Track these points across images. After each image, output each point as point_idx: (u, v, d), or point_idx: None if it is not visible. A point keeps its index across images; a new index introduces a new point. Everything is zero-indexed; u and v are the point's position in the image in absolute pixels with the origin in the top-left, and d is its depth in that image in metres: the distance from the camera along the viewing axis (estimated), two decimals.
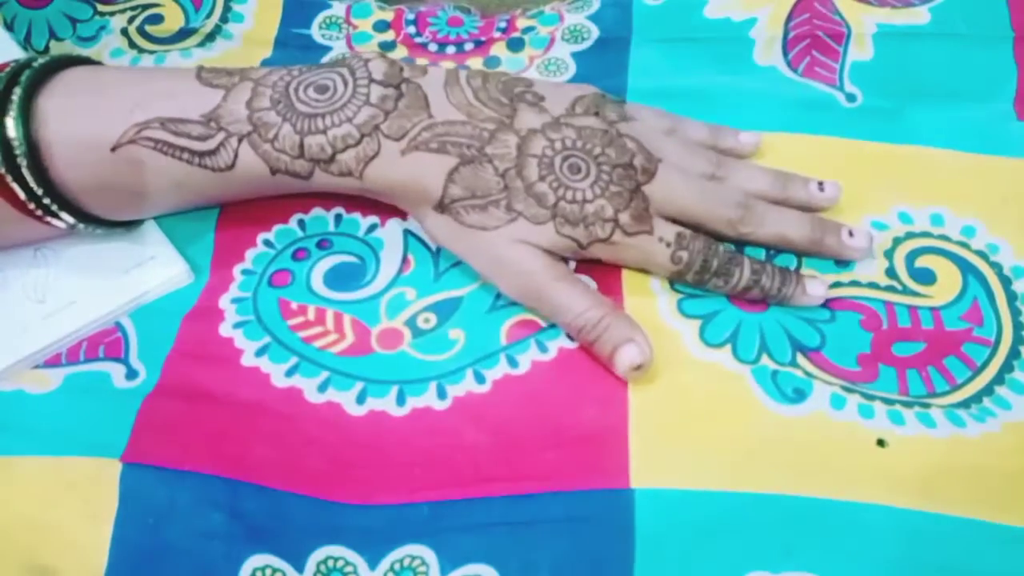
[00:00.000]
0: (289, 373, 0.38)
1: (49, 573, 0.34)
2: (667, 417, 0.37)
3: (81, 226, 0.39)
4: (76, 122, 0.37)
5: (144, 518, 0.35)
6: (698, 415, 0.37)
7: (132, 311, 0.41)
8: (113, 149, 0.37)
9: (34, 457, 0.36)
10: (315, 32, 0.50)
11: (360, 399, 0.38)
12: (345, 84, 0.38)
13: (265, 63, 0.48)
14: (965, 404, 0.37)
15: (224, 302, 0.41)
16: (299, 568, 0.34)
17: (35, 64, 0.38)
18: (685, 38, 0.48)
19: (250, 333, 0.39)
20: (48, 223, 0.38)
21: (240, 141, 0.37)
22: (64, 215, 0.38)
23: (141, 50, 0.49)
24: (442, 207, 0.38)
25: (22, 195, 0.37)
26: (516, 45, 0.48)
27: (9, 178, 0.36)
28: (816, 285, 0.39)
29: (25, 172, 0.36)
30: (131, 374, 0.39)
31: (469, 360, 0.38)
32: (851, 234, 0.40)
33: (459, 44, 0.49)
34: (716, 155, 0.42)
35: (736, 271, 0.39)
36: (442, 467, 0.36)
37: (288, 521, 0.35)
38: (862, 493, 0.35)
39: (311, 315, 0.40)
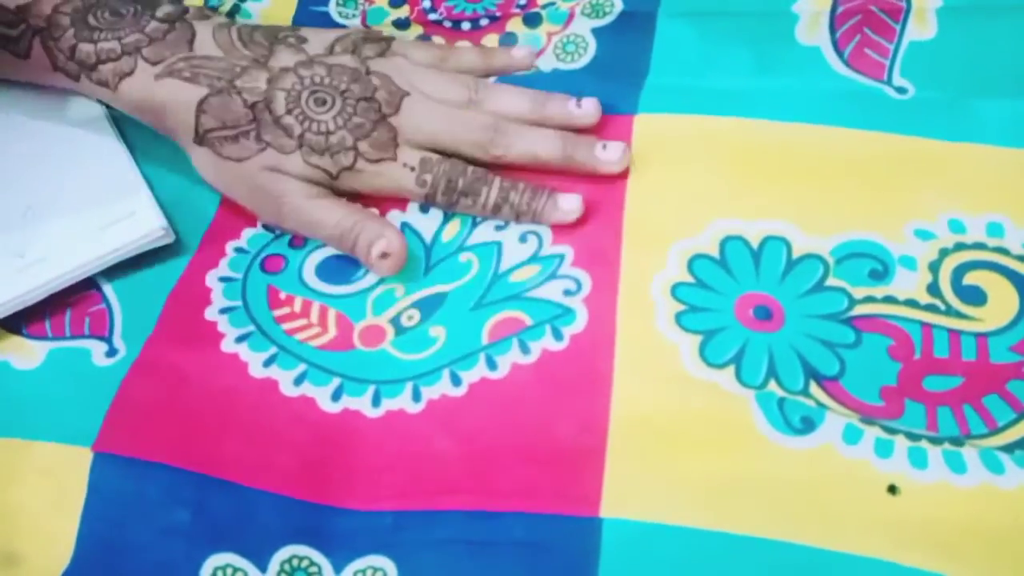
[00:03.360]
0: (267, 363, 0.37)
1: (15, 559, 0.34)
2: (651, 439, 0.34)
3: None
4: None
5: (110, 511, 0.35)
6: (687, 440, 0.33)
7: (115, 278, 0.40)
8: None
9: (10, 440, 0.36)
10: (332, 10, 0.48)
11: (335, 396, 0.37)
12: (134, 15, 0.42)
13: None
14: (1007, 449, 0.32)
15: (211, 279, 0.40)
16: (262, 567, 0.33)
17: None
18: (719, 12, 0.43)
19: (235, 320, 0.39)
20: None
21: (35, 35, 0.42)
22: None
23: None
24: (200, 138, 0.40)
25: None
26: (533, 21, 0.45)
27: None
28: (569, 199, 0.39)
29: None
30: (111, 352, 0.39)
31: (447, 359, 0.37)
32: (604, 147, 0.40)
33: (474, 20, 0.46)
34: (476, 81, 0.42)
35: (484, 189, 0.39)
36: (409, 474, 0.35)
37: (254, 519, 0.34)
38: (865, 545, 0.31)
39: (297, 307, 0.39)
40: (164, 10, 0.42)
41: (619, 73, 0.42)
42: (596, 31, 0.44)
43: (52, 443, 0.36)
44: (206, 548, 0.34)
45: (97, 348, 0.39)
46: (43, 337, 0.39)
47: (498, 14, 0.46)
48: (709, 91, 0.40)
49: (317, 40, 0.42)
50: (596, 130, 0.41)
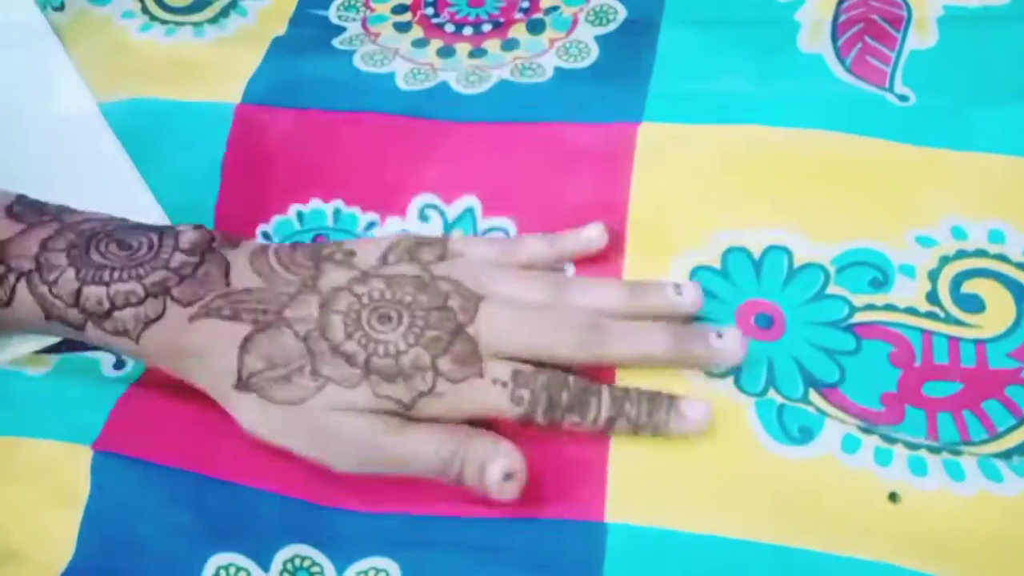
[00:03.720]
0: None
1: (15, 557, 0.34)
2: (653, 446, 0.34)
3: None
4: None
5: (112, 509, 0.35)
6: (687, 448, 0.34)
7: None
8: None
9: (15, 438, 0.36)
10: (332, 14, 0.48)
11: None
12: (150, 247, 0.36)
13: (277, 40, 0.46)
14: (1006, 455, 0.33)
15: None
16: (264, 566, 0.33)
17: None
18: (722, 20, 0.43)
19: None
20: None
21: (19, 279, 0.35)
22: None
23: (153, 17, 0.48)
24: (243, 383, 0.34)
25: None
26: (536, 27, 0.45)
27: None
28: (694, 407, 0.34)
29: None
30: (119, 364, 0.39)
31: None
32: (720, 336, 0.35)
33: (476, 25, 0.46)
34: (556, 277, 0.37)
35: (593, 401, 0.34)
36: (412, 482, 0.34)
37: (256, 518, 0.34)
38: (866, 551, 0.31)
39: None
40: (188, 238, 0.36)
41: (621, 79, 0.42)
42: (599, 38, 0.44)
43: (54, 441, 0.36)
44: (209, 547, 0.34)
45: (106, 359, 0.39)
46: (58, 351, 0.39)
47: (501, 19, 0.45)
48: (712, 98, 0.40)
49: (366, 251, 0.37)
50: (598, 140, 0.40)
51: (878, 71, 0.41)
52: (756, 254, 0.37)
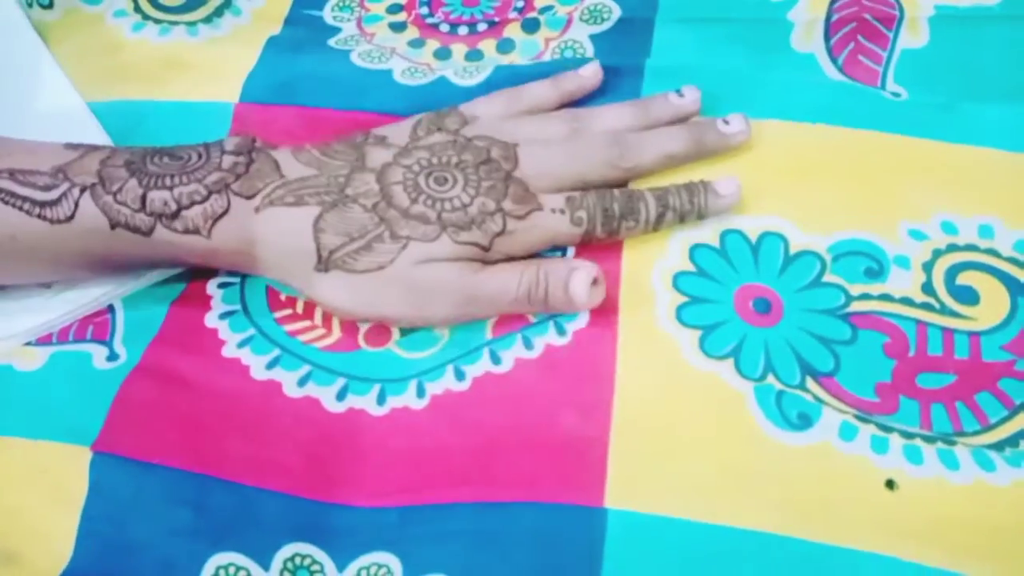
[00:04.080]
0: (270, 366, 0.37)
1: (13, 558, 0.34)
2: (653, 432, 0.34)
3: None
4: None
5: (111, 510, 0.34)
6: (687, 434, 0.34)
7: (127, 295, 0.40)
8: None
9: (10, 438, 0.36)
10: (327, 14, 0.48)
11: (340, 396, 0.37)
12: (199, 156, 0.38)
13: (273, 39, 0.46)
14: (998, 446, 0.33)
15: (212, 287, 0.40)
16: (265, 565, 0.33)
17: None
18: (716, 18, 0.44)
19: (235, 325, 0.39)
20: None
21: (83, 192, 0.36)
22: None
23: (146, 16, 0.48)
24: (324, 262, 0.36)
25: None
26: (531, 26, 0.45)
27: None
28: (725, 183, 0.38)
29: None
30: (112, 356, 0.38)
31: (452, 355, 0.37)
32: (727, 122, 0.40)
33: (472, 25, 0.46)
34: (570, 112, 0.41)
35: (640, 205, 0.38)
36: (414, 470, 0.35)
37: (256, 518, 0.34)
38: (864, 540, 0.31)
39: (299, 308, 0.39)
40: (233, 142, 0.38)
41: (616, 76, 0.43)
42: (594, 36, 0.44)
43: (51, 442, 0.35)
44: (208, 547, 0.33)
45: (98, 352, 0.38)
46: (48, 343, 0.39)
47: (496, 19, 0.46)
48: (706, 93, 0.41)
49: (396, 132, 0.40)
50: None
51: (870, 71, 0.42)
52: (753, 238, 0.38)
